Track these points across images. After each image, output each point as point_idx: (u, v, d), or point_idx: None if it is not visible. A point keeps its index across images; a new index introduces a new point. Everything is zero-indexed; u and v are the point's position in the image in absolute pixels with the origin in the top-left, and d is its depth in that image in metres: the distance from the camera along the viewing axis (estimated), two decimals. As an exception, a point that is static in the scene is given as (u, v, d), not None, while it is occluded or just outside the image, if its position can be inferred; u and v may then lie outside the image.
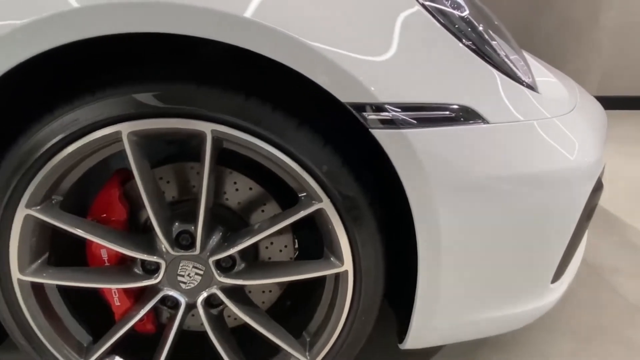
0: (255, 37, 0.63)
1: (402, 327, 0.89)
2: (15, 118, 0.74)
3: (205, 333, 0.93)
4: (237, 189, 0.87)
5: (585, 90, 1.25)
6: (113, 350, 0.87)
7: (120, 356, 0.89)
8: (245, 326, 0.95)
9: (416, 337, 0.87)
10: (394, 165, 0.71)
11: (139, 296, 0.87)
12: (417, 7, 0.74)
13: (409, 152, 0.70)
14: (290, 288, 0.97)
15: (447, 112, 0.72)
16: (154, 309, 0.90)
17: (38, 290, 0.81)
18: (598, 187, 0.89)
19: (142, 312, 0.82)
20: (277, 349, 0.90)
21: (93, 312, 0.90)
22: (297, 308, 0.96)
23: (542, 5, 4.41)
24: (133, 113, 0.68)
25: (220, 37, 0.63)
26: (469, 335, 0.92)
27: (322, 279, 0.87)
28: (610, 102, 3.47)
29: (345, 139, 0.76)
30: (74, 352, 0.85)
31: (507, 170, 0.75)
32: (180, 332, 0.86)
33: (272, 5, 0.64)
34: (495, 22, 0.90)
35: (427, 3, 0.75)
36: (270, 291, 0.96)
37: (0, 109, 0.74)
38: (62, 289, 0.85)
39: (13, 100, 0.75)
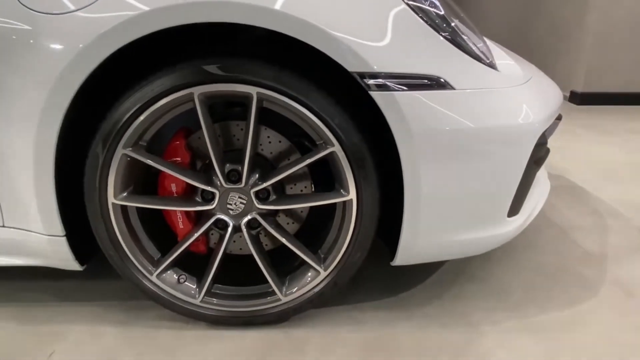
0: (299, 29, 0.92)
1: (393, 250, 1.17)
2: (114, 85, 1.03)
3: (241, 257, 1.22)
4: (270, 142, 1.16)
5: (548, 77, 1.54)
6: (175, 264, 1.16)
7: (180, 268, 1.18)
8: (273, 250, 1.24)
9: (403, 256, 1.15)
10: (386, 118, 1.00)
11: (197, 222, 1.15)
12: (403, 6, 1.03)
13: (397, 108, 0.99)
14: (306, 222, 1.26)
15: (425, 81, 1.00)
16: (205, 234, 1.19)
17: (125, 213, 1.10)
18: (543, 142, 1.17)
19: (200, 231, 1.11)
20: (297, 267, 1.19)
21: (161, 235, 1.19)
22: (313, 236, 1.24)
23: (534, 10, 4.71)
24: (202, 79, 0.97)
25: (275, 27, 0.92)
26: (444, 255, 1.20)
27: (333, 210, 1.15)
28: (594, 98, 3.76)
29: (350, 101, 1.05)
30: (148, 261, 1.14)
31: (468, 124, 1.03)
32: (225, 254, 1.15)
33: (311, 9, 0.93)
34: (462, 15, 1.18)
35: (410, 2, 1.04)
36: (294, 222, 1.25)
37: (106, 78, 1.03)
38: (140, 216, 1.14)
39: (114, 71, 1.04)
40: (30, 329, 1.21)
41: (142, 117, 1.00)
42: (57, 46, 0.94)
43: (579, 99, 3.80)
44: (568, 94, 3.95)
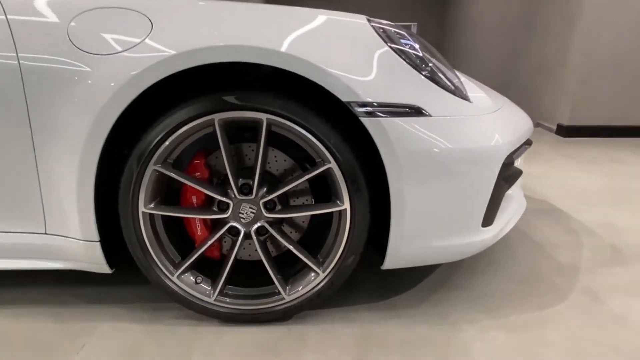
0: (303, 67, 1.14)
1: (382, 256, 1.34)
2: (148, 112, 1.24)
3: (250, 263, 1.40)
4: (276, 160, 1.36)
5: (519, 108, 1.75)
6: (193, 267, 1.34)
7: (197, 270, 1.35)
8: (277, 257, 1.42)
9: (391, 260, 1.33)
10: (374, 140, 1.19)
11: (212, 229, 1.34)
12: (387, 48, 1.25)
13: (383, 132, 1.19)
14: (306, 232, 1.44)
15: (407, 109, 1.21)
16: (219, 241, 1.37)
17: (152, 221, 1.29)
18: (510, 162, 1.36)
19: (216, 236, 1.29)
20: (298, 270, 1.36)
21: (181, 242, 1.37)
22: (312, 244, 1.41)
23: (521, 53, 5.01)
24: (222, 108, 1.18)
25: (282, 66, 1.14)
26: (427, 259, 1.37)
27: (330, 220, 1.33)
28: (580, 131, 3.99)
29: (345, 126, 1.25)
30: (170, 264, 1.32)
31: (444, 144, 1.23)
32: (236, 260, 1.33)
33: (315, 53, 1.15)
34: (439, 56, 1.40)
35: (392, 46, 1.26)
36: (297, 231, 1.43)
37: (142, 108, 1.23)
38: (165, 224, 1.32)
39: (150, 101, 1.25)
40: (64, 326, 1.37)
41: (171, 138, 1.20)
42: (104, 81, 1.15)
43: (565, 131, 4.03)
44: (555, 127, 4.19)
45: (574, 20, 3.98)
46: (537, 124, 4.57)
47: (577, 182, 2.79)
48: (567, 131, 4.03)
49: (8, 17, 1.20)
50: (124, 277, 1.62)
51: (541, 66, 4.57)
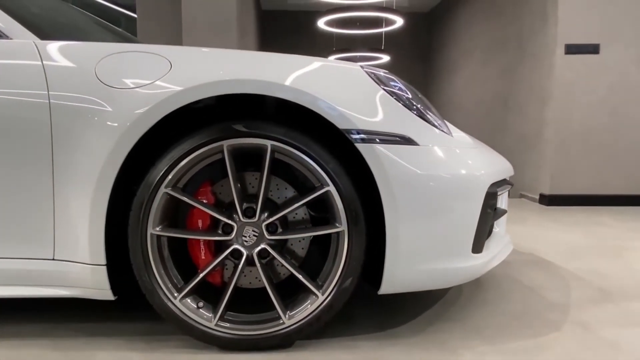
0: (311, 100, 1.29)
1: (377, 283, 1.40)
2: (162, 142, 1.36)
3: (249, 292, 1.44)
4: (277, 188, 1.46)
5: (507, 162, 1.90)
6: (195, 291, 1.37)
7: (198, 295, 1.38)
8: (276, 285, 1.46)
9: (386, 285, 1.38)
10: (368, 164, 1.31)
11: (216, 253, 1.39)
12: (378, 88, 1.42)
13: (376, 157, 1.31)
14: (305, 260, 1.49)
15: (397, 138, 1.34)
16: (221, 267, 1.43)
17: (159, 244, 1.35)
18: (493, 192, 1.48)
19: (219, 258, 1.35)
20: (297, 296, 1.40)
21: (184, 266, 1.41)
22: (309, 273, 1.46)
23: (501, 129, 5.36)
24: (230, 134, 1.30)
25: (298, 101, 1.29)
26: (422, 284, 1.42)
27: (328, 246, 1.40)
28: (561, 200, 4.15)
29: (341, 154, 1.37)
30: (172, 286, 1.35)
31: (427, 171, 1.34)
32: (237, 287, 1.37)
33: (318, 89, 1.31)
34: (423, 99, 1.57)
35: (385, 88, 1.43)
36: (295, 260, 1.49)
37: (156, 137, 1.35)
38: (170, 248, 1.38)
39: (164, 130, 1.37)
40: (64, 354, 1.36)
41: (185, 160, 1.30)
42: (126, 111, 1.28)
43: (547, 200, 4.21)
44: (538, 197, 4.37)
45: (546, 98, 4.33)
46: (520, 195, 4.75)
47: (562, 240, 2.89)
48: (549, 200, 4.20)
49: (44, 62, 1.36)
50: (123, 314, 1.63)
51: (520, 141, 4.87)
